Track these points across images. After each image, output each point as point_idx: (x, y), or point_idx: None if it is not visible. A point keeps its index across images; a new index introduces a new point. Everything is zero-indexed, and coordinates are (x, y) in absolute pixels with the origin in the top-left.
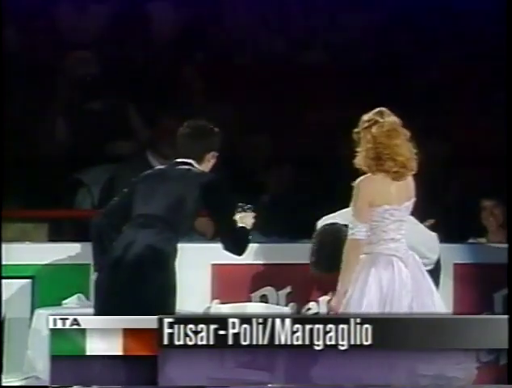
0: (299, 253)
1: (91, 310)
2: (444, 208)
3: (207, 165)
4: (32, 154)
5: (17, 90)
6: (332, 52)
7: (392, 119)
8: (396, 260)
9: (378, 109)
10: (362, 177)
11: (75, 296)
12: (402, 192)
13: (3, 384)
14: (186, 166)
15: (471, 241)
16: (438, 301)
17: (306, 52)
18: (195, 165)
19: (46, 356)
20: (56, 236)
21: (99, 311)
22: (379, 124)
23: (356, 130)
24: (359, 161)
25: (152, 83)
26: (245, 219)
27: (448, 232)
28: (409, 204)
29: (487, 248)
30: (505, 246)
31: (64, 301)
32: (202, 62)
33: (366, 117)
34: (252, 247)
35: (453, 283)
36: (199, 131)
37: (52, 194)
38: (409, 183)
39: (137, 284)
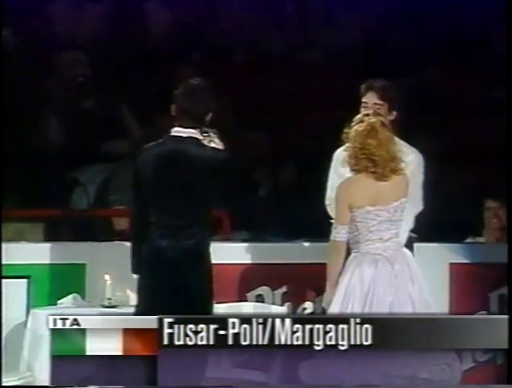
0: (295, 253)
1: (87, 310)
2: (442, 208)
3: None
4: (28, 153)
5: (12, 90)
6: (329, 51)
7: (374, 119)
8: (381, 259)
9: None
10: (343, 179)
11: (71, 295)
12: (388, 193)
13: (3, 384)
14: (188, 145)
15: (468, 240)
16: (426, 300)
17: (303, 51)
18: (195, 133)
19: (42, 355)
20: (51, 235)
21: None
22: (360, 124)
23: (345, 130)
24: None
25: (148, 82)
26: (214, 142)
27: (445, 231)
28: (398, 204)
29: (484, 248)
30: (503, 245)
31: (59, 301)
32: (199, 61)
33: (356, 117)
34: (247, 247)
35: (449, 282)
36: (194, 92)
37: (48, 193)
38: (398, 183)
39: (183, 288)
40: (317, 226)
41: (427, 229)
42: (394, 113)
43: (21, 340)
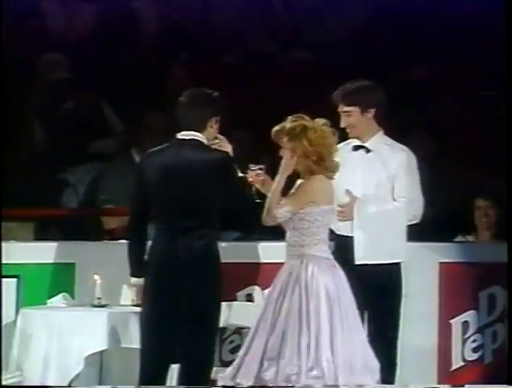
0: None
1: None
2: (432, 207)
3: (209, 132)
4: (18, 154)
5: (2, 89)
6: (319, 51)
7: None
8: (330, 265)
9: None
10: (308, 177)
11: (60, 295)
12: (332, 194)
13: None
14: (192, 147)
15: (458, 240)
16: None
17: (292, 50)
18: (199, 136)
19: (31, 354)
20: (41, 235)
21: (147, 315)
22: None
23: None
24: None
25: (137, 82)
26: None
27: (435, 231)
28: (330, 207)
29: (473, 247)
30: (492, 244)
31: (49, 301)
32: (187, 60)
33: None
34: (237, 246)
35: (438, 282)
36: (196, 98)
37: (37, 193)
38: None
39: (195, 289)
40: None
41: (416, 229)
42: (372, 110)
43: (10, 339)
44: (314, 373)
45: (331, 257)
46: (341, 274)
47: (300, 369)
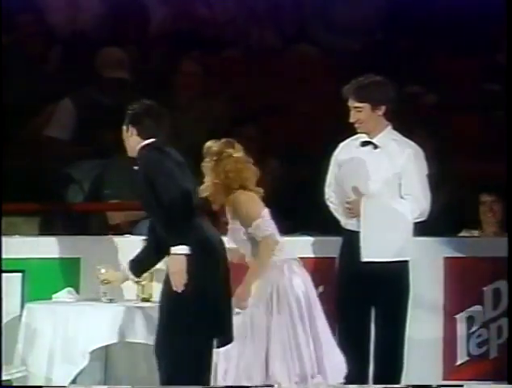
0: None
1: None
2: (437, 202)
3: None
4: (24, 148)
5: (7, 84)
6: (323, 44)
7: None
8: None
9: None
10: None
11: (65, 290)
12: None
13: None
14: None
15: (463, 234)
16: None
17: (296, 44)
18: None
19: (36, 349)
20: (46, 229)
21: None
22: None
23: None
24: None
25: (142, 77)
26: None
27: (440, 225)
28: None
29: (478, 242)
30: (497, 239)
31: (54, 295)
32: (191, 56)
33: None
34: None
35: (444, 276)
36: (155, 111)
37: (43, 187)
38: None
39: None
40: (311, 220)
41: (421, 224)
42: (382, 108)
43: (15, 334)
44: None
45: None
46: None
47: None
